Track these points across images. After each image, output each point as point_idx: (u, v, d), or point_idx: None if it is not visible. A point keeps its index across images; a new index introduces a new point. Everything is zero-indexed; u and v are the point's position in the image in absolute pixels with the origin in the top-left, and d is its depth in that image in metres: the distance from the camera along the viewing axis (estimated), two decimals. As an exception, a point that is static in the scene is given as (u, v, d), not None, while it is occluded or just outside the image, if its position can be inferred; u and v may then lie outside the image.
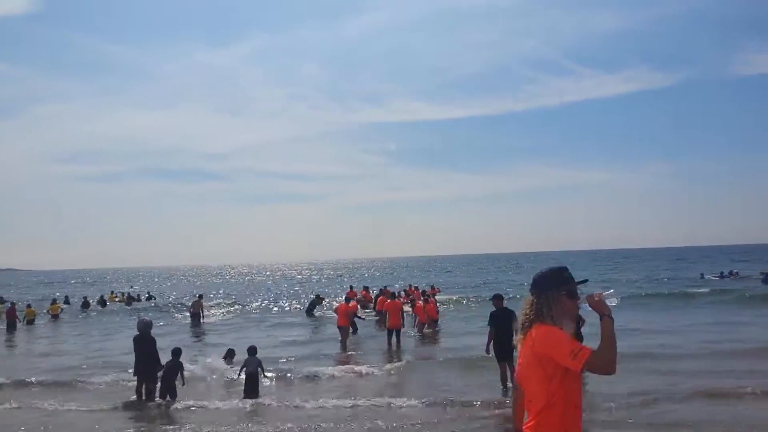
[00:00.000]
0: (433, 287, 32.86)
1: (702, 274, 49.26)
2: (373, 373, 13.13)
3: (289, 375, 13.21)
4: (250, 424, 9.59)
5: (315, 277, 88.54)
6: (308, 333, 22.64)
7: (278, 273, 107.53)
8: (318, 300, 30.39)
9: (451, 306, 29.99)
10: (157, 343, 11.57)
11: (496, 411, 9.65)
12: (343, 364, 14.50)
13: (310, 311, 28.63)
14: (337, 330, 18.55)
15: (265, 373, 11.88)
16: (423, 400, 10.27)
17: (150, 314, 25.81)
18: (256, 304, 36.09)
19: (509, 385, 11.11)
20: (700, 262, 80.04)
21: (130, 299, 41.80)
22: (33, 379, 13.68)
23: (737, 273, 47.17)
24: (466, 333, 18.86)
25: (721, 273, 47.99)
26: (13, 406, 11.24)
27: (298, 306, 31.43)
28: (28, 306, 31.64)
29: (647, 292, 33.53)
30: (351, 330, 19.30)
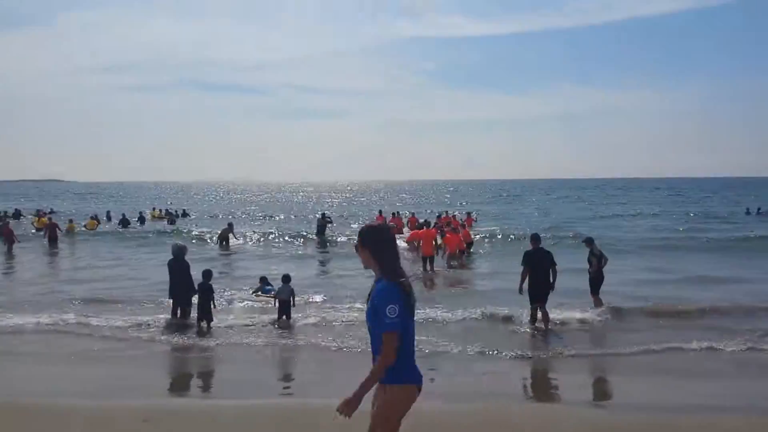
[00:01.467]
0: (469, 215, 31.92)
1: (748, 209, 45.60)
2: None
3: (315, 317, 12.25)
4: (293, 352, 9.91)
5: (353, 200, 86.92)
6: (330, 266, 21.43)
7: (314, 196, 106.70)
8: (323, 220, 28.81)
9: (486, 240, 27.79)
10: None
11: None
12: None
13: (321, 233, 27.03)
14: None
15: (295, 301, 12.05)
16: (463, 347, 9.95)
17: (183, 238, 25.66)
18: (288, 231, 32.72)
19: (538, 325, 11.12)
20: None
21: (170, 216, 41.68)
22: (72, 299, 14.01)
23: None
24: (496, 273, 18.39)
25: (747, 209, 45.11)
26: (57, 326, 11.54)
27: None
28: (70, 221, 32.38)
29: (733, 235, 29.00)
30: None
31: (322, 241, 27.13)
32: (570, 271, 13.32)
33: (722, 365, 9.02)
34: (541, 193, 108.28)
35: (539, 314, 11.19)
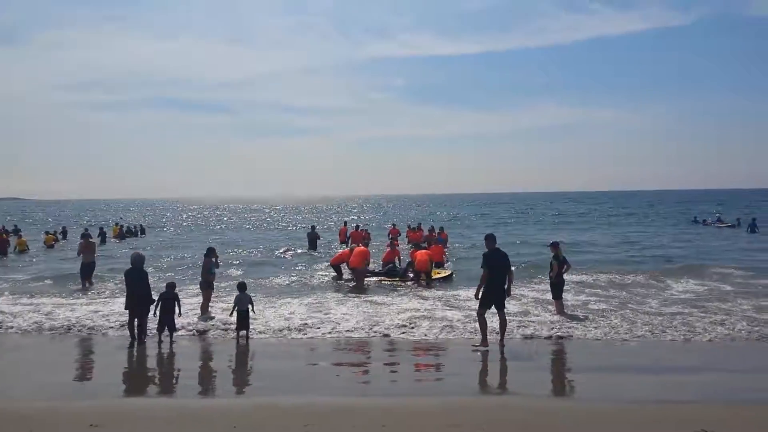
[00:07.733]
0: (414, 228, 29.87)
1: (695, 218, 48.87)
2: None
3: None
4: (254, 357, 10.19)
5: (332, 215, 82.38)
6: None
7: (281, 211, 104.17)
8: (314, 233, 28.76)
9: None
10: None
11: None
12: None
13: (313, 247, 27.72)
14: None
15: (254, 309, 11.81)
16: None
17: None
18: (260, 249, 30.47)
19: (490, 338, 10.23)
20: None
21: (121, 233, 38.92)
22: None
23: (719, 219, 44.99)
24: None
25: (695, 218, 48.33)
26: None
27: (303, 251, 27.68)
28: (19, 236, 32.42)
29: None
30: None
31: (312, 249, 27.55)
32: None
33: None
34: (512, 204, 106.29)
35: (497, 321, 10.41)
